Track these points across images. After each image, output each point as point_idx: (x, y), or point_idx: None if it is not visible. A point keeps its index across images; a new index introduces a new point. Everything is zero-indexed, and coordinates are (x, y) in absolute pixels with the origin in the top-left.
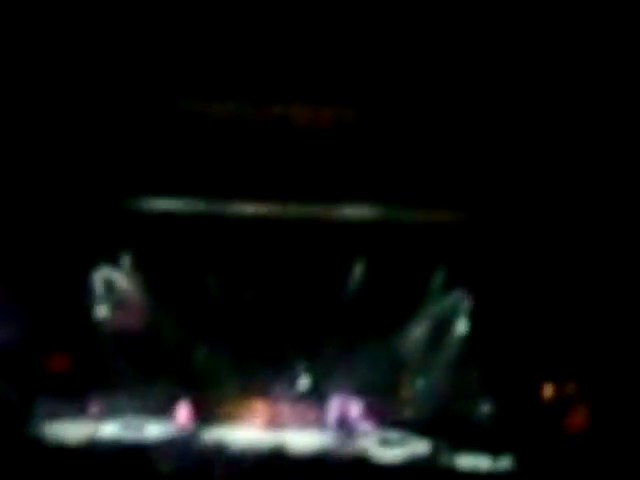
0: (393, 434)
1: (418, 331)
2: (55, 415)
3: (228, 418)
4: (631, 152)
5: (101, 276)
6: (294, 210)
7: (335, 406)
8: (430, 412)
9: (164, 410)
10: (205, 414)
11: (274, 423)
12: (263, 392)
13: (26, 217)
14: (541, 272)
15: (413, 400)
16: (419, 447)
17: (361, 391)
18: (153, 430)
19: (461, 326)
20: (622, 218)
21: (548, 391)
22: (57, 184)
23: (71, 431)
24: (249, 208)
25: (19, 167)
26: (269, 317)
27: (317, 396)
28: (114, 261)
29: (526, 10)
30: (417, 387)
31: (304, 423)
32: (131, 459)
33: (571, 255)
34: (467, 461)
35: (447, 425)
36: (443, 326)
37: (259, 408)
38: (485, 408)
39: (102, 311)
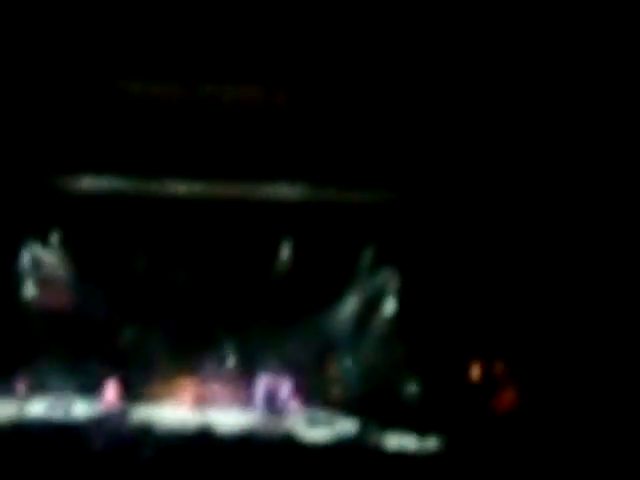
0: (320, 413)
1: (346, 310)
2: None
3: (156, 397)
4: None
5: (29, 254)
6: (223, 189)
7: (263, 385)
8: (358, 391)
9: (92, 389)
10: (133, 393)
11: (202, 402)
12: (191, 371)
13: None
14: (469, 252)
15: (341, 379)
16: (346, 426)
17: (289, 370)
18: (81, 409)
19: (389, 305)
20: (548, 196)
21: (476, 371)
22: None
23: None
24: (178, 187)
25: None
26: (198, 296)
27: (245, 375)
28: (42, 240)
29: None
30: (345, 366)
31: (232, 402)
32: (59, 438)
33: (500, 235)
34: (394, 441)
35: (375, 404)
36: (371, 305)
37: (187, 387)
38: (413, 387)
39: (29, 289)
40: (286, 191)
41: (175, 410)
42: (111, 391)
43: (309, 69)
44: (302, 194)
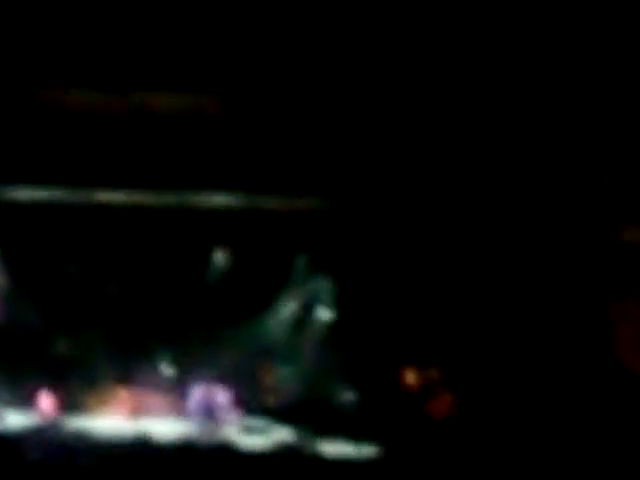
0: (257, 421)
1: (281, 318)
2: None
3: (91, 407)
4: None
5: None
6: (156, 199)
7: (198, 394)
8: (293, 399)
9: (26, 400)
10: (68, 403)
11: (138, 412)
12: (126, 381)
13: None
14: (403, 259)
15: (276, 387)
16: (283, 434)
17: (225, 378)
18: (15, 420)
19: (324, 312)
20: (487, 201)
21: (410, 377)
22: None
23: None
24: (110, 197)
25: None
26: (132, 305)
27: (181, 384)
28: None
29: None
30: (280, 374)
31: (168, 411)
32: None
33: (434, 239)
34: (332, 448)
35: (311, 412)
36: (306, 312)
37: (122, 397)
38: (348, 395)
39: None
40: (219, 199)
41: (110, 420)
42: (46, 401)
43: (240, 76)
44: (235, 202)
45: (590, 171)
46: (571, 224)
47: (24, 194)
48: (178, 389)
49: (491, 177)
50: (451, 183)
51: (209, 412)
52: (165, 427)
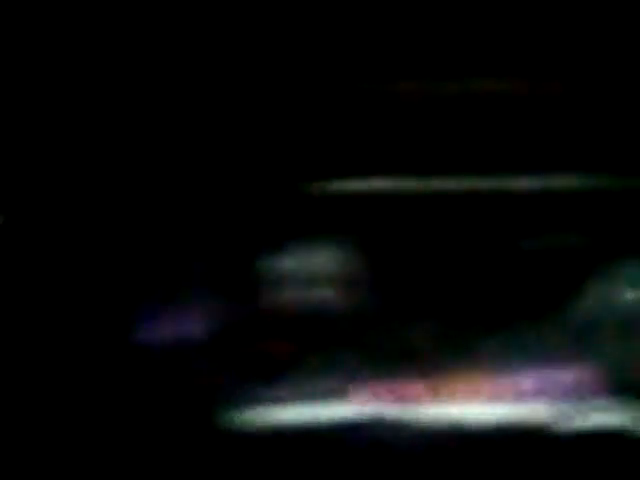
0: (601, 402)
1: (614, 290)
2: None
3: (420, 396)
4: None
5: (295, 260)
6: (494, 184)
7: (545, 376)
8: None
9: (351, 389)
10: (400, 392)
11: (489, 396)
12: (470, 364)
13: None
14: None
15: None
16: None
17: (559, 360)
18: (345, 411)
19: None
20: None
21: None
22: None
23: (253, 416)
24: (447, 184)
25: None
26: (461, 290)
27: (519, 366)
28: (305, 245)
29: None
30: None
31: (500, 396)
32: (323, 443)
33: None
34: None
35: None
36: (623, 292)
37: (469, 381)
38: None
39: (308, 294)
40: (560, 182)
41: (459, 407)
42: (376, 390)
43: (582, 59)
44: (575, 185)
45: None
46: None
47: (363, 185)
48: (516, 371)
49: None
50: None
51: (567, 394)
52: (491, 411)
